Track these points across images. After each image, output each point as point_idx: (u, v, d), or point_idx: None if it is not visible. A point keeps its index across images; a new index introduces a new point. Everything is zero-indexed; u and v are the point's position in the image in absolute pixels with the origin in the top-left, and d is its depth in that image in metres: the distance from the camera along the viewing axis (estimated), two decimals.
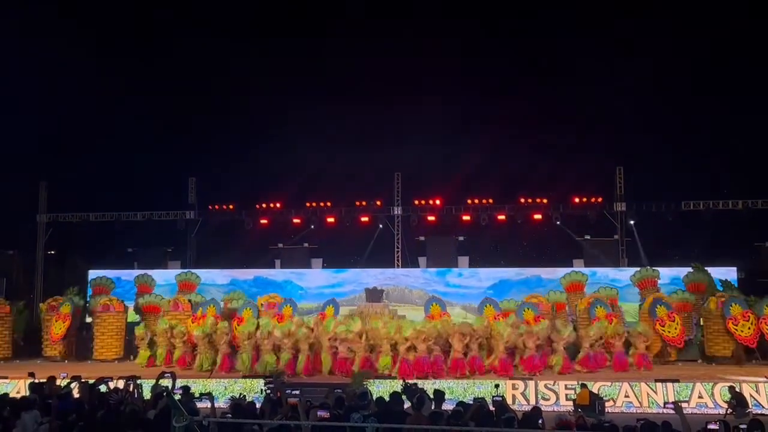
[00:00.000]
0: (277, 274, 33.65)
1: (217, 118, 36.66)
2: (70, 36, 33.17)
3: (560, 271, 30.62)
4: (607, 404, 17.49)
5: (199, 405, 11.21)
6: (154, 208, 35.11)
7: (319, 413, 8.97)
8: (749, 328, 23.97)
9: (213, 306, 25.13)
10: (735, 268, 30.89)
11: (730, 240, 32.56)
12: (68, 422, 9.61)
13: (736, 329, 24.04)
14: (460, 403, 11.36)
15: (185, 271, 32.13)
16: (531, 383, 19.33)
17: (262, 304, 26.60)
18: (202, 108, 36.09)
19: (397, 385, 16.86)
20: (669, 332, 24.35)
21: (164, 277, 32.28)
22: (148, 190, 36.03)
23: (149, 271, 31.89)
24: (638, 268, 29.14)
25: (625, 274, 30.63)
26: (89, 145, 35.98)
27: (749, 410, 16.79)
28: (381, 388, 18.07)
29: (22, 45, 33.54)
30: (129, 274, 32.38)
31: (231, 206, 35.00)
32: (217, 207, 35.12)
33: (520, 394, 19.02)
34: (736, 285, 29.24)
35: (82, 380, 13.58)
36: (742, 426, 10.18)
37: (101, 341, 26.62)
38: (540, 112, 35.03)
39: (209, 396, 11.00)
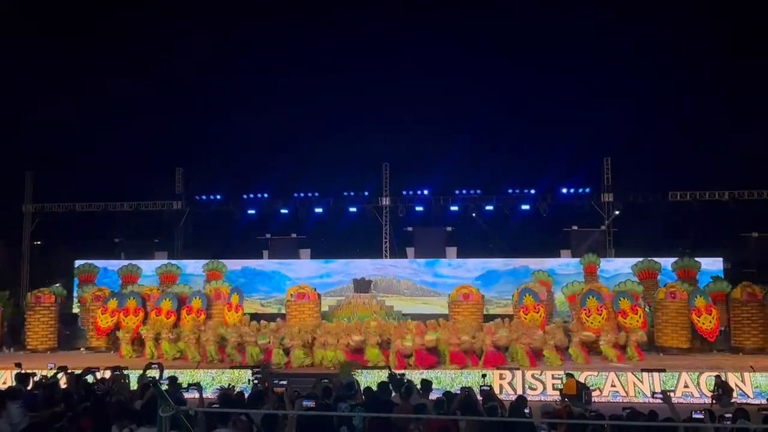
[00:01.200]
0: (265, 264, 33.58)
1: (204, 108, 36.55)
2: (56, 25, 33.01)
3: (548, 261, 30.82)
4: (593, 394, 17.56)
5: (187, 396, 11.20)
6: (141, 198, 34.95)
7: (305, 403, 8.95)
8: (711, 321, 24.14)
9: (198, 299, 25.29)
10: (721, 259, 31.08)
11: (716, 231, 32.74)
12: (55, 413, 9.54)
13: (698, 320, 24.21)
14: (446, 393, 11.37)
15: (166, 262, 32.07)
16: (518, 373, 19.36)
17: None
18: (189, 98, 35.95)
19: (385, 376, 16.88)
20: (704, 324, 24.29)
21: (152, 267, 32.19)
22: (135, 181, 35.91)
23: (136, 261, 31.82)
24: (641, 259, 29.42)
25: (611, 264, 30.83)
26: (75, 136, 35.80)
27: (734, 399, 16.92)
28: (369, 378, 18.07)
29: (6, 33, 33.27)
30: (115, 265, 32.23)
31: (218, 196, 34.92)
32: (204, 197, 35.01)
33: (507, 384, 19.05)
34: (722, 275, 29.57)
35: (69, 371, 13.52)
36: (728, 415, 10.25)
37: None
38: (528, 103, 35.12)
39: (197, 386, 10.97)
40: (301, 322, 24.43)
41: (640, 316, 23.70)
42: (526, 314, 24.28)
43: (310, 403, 8.94)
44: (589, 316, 23.48)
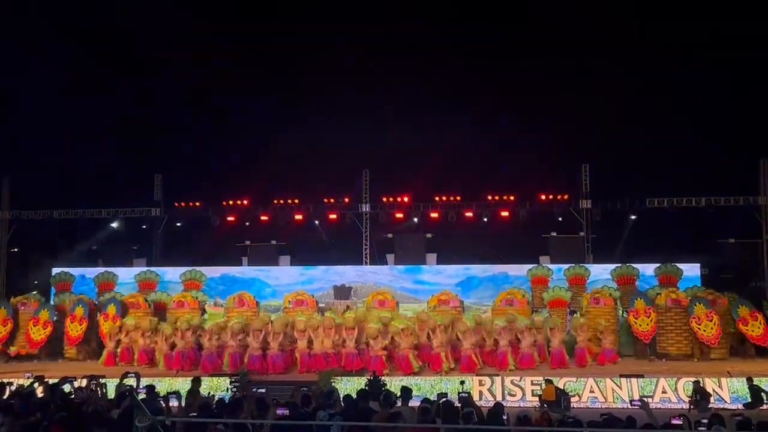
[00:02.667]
0: (244, 271, 33.45)
1: (182, 115, 36.37)
2: (33, 32, 32.76)
3: (526, 267, 30.99)
4: (572, 399, 17.72)
5: (172, 404, 11.13)
6: (119, 205, 34.72)
7: (278, 411, 8.95)
8: (712, 328, 24.33)
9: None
10: (698, 265, 31.35)
11: (693, 237, 33.03)
12: (30, 422, 9.45)
13: (699, 328, 24.39)
14: (425, 400, 11.38)
15: (144, 269, 31.99)
16: (497, 379, 19.42)
17: (290, 301, 26.68)
18: (167, 105, 35.78)
19: (364, 383, 16.90)
20: (705, 331, 24.36)
21: (130, 274, 32.02)
22: (113, 188, 35.65)
23: (113, 269, 31.67)
24: (618, 265, 29.90)
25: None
26: (52, 142, 35.50)
27: (711, 405, 17.07)
28: (348, 386, 18.08)
29: None
30: (93, 272, 32.01)
31: (197, 203, 34.78)
32: (183, 204, 34.87)
33: (486, 390, 19.10)
34: (699, 282, 29.90)
35: (45, 380, 13.42)
36: (704, 420, 10.34)
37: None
38: (507, 110, 35.24)
39: (176, 394, 10.92)
40: None
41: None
42: (699, 324, 24.59)
43: (284, 411, 8.94)
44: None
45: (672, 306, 25.01)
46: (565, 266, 30.33)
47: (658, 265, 29.76)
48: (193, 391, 13.29)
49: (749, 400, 17.74)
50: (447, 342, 22.02)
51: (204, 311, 27.57)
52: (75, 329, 25.76)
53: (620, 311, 26.21)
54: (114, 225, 34.87)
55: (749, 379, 18.21)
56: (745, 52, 32.57)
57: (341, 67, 35.66)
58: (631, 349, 25.58)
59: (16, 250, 36.52)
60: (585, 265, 30.39)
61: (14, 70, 33.75)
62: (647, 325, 24.71)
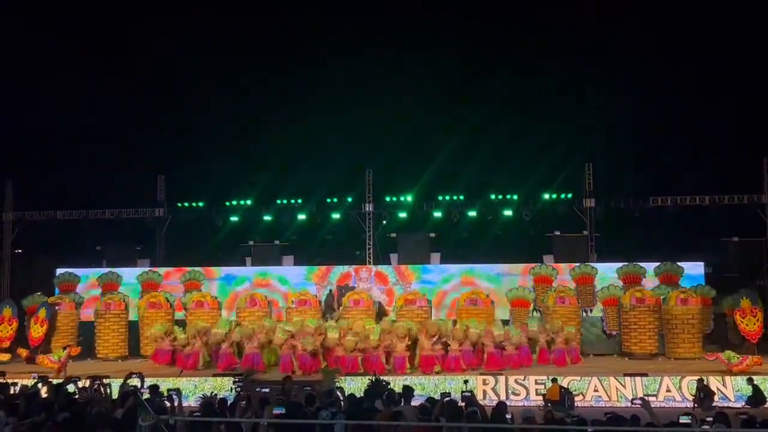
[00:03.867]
0: (247, 271, 33.41)
1: (186, 115, 36.39)
2: (37, 34, 32.82)
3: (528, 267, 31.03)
4: (576, 399, 17.69)
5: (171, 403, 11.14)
6: (122, 205, 34.73)
7: (275, 410, 8.98)
8: (755, 323, 24.41)
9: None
10: (702, 263, 31.28)
11: (697, 235, 32.97)
12: (35, 422, 9.48)
13: (742, 321, 24.44)
14: (429, 399, 11.39)
15: (146, 270, 32.09)
16: (501, 378, 19.44)
17: (293, 301, 26.77)
18: (171, 105, 35.79)
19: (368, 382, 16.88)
20: (747, 325, 24.64)
21: (133, 274, 32.08)
22: (116, 188, 35.67)
23: (116, 269, 31.76)
24: (624, 263, 29.93)
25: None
26: (56, 143, 35.56)
27: (715, 403, 17.06)
28: (352, 385, 18.08)
29: None
30: (97, 273, 32.04)
31: (200, 203, 34.78)
32: (186, 204, 34.87)
33: (490, 390, 19.12)
34: (703, 280, 29.89)
35: (49, 380, 13.45)
36: (709, 418, 10.34)
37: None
38: (509, 110, 35.24)
39: (177, 392, 10.92)
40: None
41: (758, 320, 24.86)
42: (743, 318, 25.06)
43: (280, 410, 8.96)
44: (744, 317, 24.54)
45: (636, 305, 25.02)
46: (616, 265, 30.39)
47: (658, 264, 29.71)
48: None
49: (753, 397, 17.72)
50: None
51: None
52: (36, 330, 25.92)
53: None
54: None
55: (750, 380, 18.22)
56: (748, 49, 32.55)
57: (344, 65, 35.68)
58: (601, 348, 25.92)
59: (20, 251, 36.54)
60: (591, 264, 30.31)
61: (16, 70, 33.85)
62: (754, 324, 24.77)
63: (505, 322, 25.00)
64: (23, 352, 25.30)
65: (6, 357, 25.78)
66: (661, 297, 25.79)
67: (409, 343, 21.91)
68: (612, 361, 24.34)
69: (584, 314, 27.93)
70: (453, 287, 31.15)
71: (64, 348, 22.87)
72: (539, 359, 22.88)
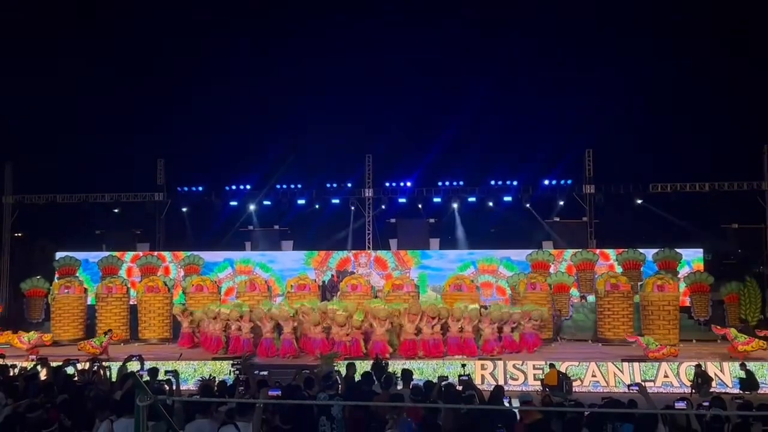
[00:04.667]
0: (245, 256, 33.44)
1: (186, 98, 36.35)
2: (34, 16, 32.72)
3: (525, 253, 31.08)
4: (574, 384, 17.75)
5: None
6: (122, 189, 34.69)
7: (270, 392, 9.02)
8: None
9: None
10: (701, 250, 31.32)
11: (696, 222, 33.00)
12: (33, 404, 9.51)
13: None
14: (427, 383, 11.43)
15: (147, 254, 32.17)
16: (500, 363, 19.48)
17: (292, 286, 26.81)
18: (170, 89, 35.74)
19: (367, 366, 16.90)
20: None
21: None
22: (116, 172, 35.63)
23: (116, 253, 31.83)
24: (625, 250, 30.04)
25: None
26: (55, 126, 35.50)
27: (713, 389, 17.11)
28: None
29: None
30: (96, 256, 32.09)
31: (200, 188, 34.76)
32: (186, 189, 34.86)
33: (489, 374, 19.17)
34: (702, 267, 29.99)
35: (49, 362, 13.48)
36: (705, 403, 10.36)
37: (58, 323, 26.37)
38: (510, 95, 35.20)
39: (174, 374, 10.96)
40: None
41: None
42: None
43: (275, 392, 8.99)
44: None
45: (611, 291, 25.03)
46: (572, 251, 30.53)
47: (656, 250, 29.76)
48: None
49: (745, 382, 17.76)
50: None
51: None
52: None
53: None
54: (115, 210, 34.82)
55: (742, 365, 18.27)
56: (749, 36, 32.47)
57: (343, 50, 35.61)
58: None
59: (20, 234, 36.55)
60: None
61: (15, 52, 33.76)
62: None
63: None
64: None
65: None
66: (639, 283, 25.85)
67: (390, 327, 21.64)
68: (584, 346, 24.29)
69: (583, 300, 28.03)
70: (471, 274, 31.01)
71: (106, 333, 22.92)
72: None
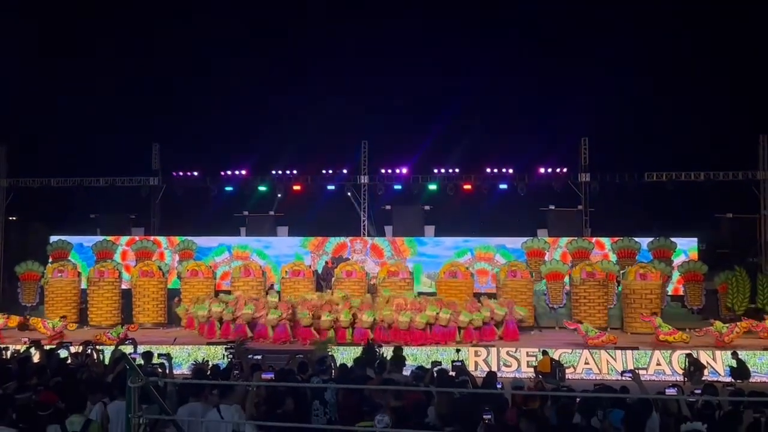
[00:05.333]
0: (242, 241, 33.41)
1: (181, 83, 36.23)
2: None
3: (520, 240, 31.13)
4: (567, 371, 17.81)
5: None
6: (117, 174, 34.57)
7: (263, 375, 9.03)
8: None
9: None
10: (696, 239, 31.35)
11: (691, 211, 33.01)
12: (25, 386, 9.51)
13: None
14: (420, 368, 11.46)
15: (141, 239, 32.12)
16: (493, 350, 19.55)
17: (286, 272, 26.81)
18: (166, 73, 35.60)
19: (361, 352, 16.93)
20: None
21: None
22: (110, 156, 35.50)
23: (111, 238, 31.81)
24: (620, 238, 30.11)
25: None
26: (50, 108, 35.34)
27: (705, 377, 17.19)
28: (345, 355, 18.14)
29: None
30: (91, 240, 32.04)
31: (195, 173, 34.65)
32: (181, 173, 34.74)
33: (482, 361, 19.22)
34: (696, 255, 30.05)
35: (42, 345, 13.49)
36: (697, 390, 10.42)
37: (51, 306, 26.39)
38: (506, 83, 35.12)
39: (167, 357, 10.97)
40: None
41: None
42: None
43: (268, 375, 8.99)
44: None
45: (586, 279, 25.09)
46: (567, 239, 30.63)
47: (651, 239, 29.82)
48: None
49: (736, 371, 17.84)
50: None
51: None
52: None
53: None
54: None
55: (734, 353, 18.34)
56: (745, 26, 32.43)
57: (339, 36, 35.49)
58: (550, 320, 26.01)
59: (14, 218, 36.46)
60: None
61: (10, 34, 33.55)
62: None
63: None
64: None
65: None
66: (621, 272, 25.84)
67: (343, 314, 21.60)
68: (555, 334, 24.38)
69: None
70: (467, 261, 31.05)
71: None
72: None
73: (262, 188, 33.80)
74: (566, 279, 27.64)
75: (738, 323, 21.08)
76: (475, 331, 21.77)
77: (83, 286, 27.41)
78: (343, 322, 21.22)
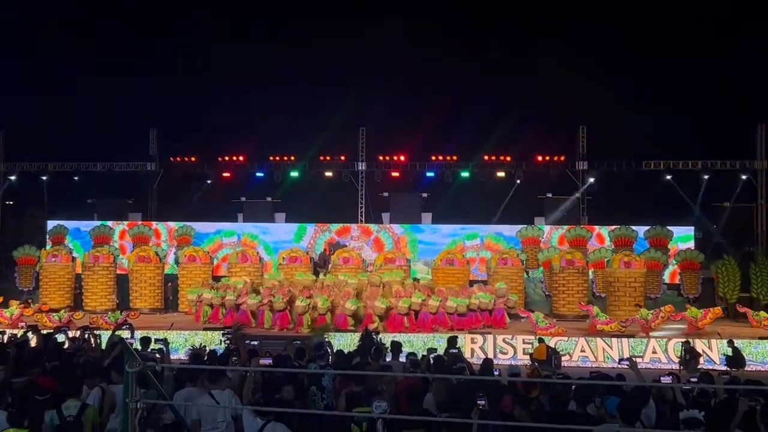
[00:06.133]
0: (239, 227, 33.36)
1: (179, 68, 36.13)
2: None
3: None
4: (563, 359, 17.83)
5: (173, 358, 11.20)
6: (114, 159, 34.49)
7: (262, 361, 9.05)
8: None
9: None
10: (692, 228, 31.38)
11: (688, 200, 33.02)
12: (22, 371, 9.52)
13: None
14: (411, 354, 11.52)
15: (139, 224, 32.11)
16: (489, 337, 19.59)
17: (284, 258, 26.91)
18: (164, 58, 35.49)
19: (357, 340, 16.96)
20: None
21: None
22: (108, 141, 35.44)
23: (108, 223, 31.78)
24: (617, 226, 30.10)
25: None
26: (48, 94, 35.24)
27: (701, 365, 17.23)
28: (341, 341, 18.17)
29: None
30: (88, 225, 32.00)
31: (193, 158, 34.59)
32: (178, 159, 34.68)
33: (478, 348, 19.27)
34: (692, 245, 30.05)
35: (39, 329, 13.50)
36: (693, 379, 10.45)
37: (46, 291, 26.43)
38: (504, 71, 35.06)
39: (164, 342, 10.99)
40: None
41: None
42: None
43: (267, 361, 9.01)
44: None
45: (566, 267, 25.13)
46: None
47: (648, 227, 29.84)
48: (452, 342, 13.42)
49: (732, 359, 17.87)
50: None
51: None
52: None
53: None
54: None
55: (730, 342, 18.37)
56: (743, 13, 32.38)
57: (337, 21, 35.37)
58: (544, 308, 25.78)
59: (11, 202, 36.40)
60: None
61: (9, 19, 33.45)
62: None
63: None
64: None
65: None
66: (605, 260, 25.91)
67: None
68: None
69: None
70: (475, 246, 31.08)
71: (66, 308, 22.91)
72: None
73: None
74: None
75: (616, 322, 20.95)
76: (460, 318, 21.76)
77: (78, 271, 27.40)
78: (321, 309, 21.14)
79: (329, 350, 11.72)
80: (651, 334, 20.33)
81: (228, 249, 31.20)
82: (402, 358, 11.76)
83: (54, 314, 22.34)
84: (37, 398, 7.63)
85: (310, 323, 20.84)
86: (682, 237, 30.31)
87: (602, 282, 25.94)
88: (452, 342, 13.33)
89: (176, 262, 27.78)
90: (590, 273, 26.78)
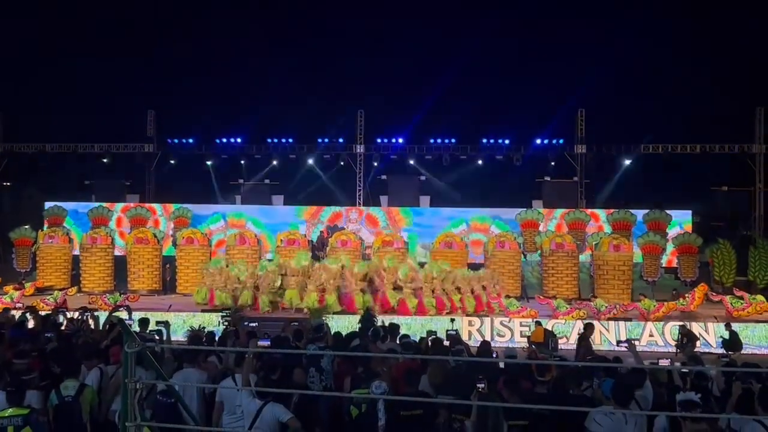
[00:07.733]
0: (237, 209, 33.33)
1: (178, 50, 35.96)
2: None
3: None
4: (560, 341, 17.88)
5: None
6: (112, 140, 34.40)
7: (260, 342, 9.07)
8: None
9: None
10: (690, 211, 31.38)
11: (686, 183, 33.07)
12: (20, 351, 9.52)
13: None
14: (404, 336, 11.54)
15: (136, 205, 32.08)
16: (487, 320, 19.62)
17: (282, 240, 26.85)
18: (163, 40, 35.33)
19: (355, 321, 16.98)
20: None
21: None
22: (106, 122, 35.33)
23: (106, 204, 31.74)
24: (616, 210, 30.02)
25: None
26: (46, 74, 35.09)
27: (697, 349, 17.28)
28: (339, 324, 18.19)
29: None
30: (86, 207, 31.96)
31: (191, 140, 34.52)
32: (176, 141, 34.61)
33: (476, 331, 19.30)
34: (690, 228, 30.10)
35: (38, 310, 13.50)
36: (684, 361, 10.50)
37: (43, 272, 26.47)
38: (503, 54, 34.96)
39: (165, 324, 10.99)
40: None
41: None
42: None
43: (265, 342, 9.03)
44: None
45: (555, 250, 25.15)
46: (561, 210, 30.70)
47: (646, 211, 29.83)
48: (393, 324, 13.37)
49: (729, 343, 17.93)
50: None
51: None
52: None
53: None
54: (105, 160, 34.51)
55: (727, 325, 18.41)
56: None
57: (337, 6, 35.25)
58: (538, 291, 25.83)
59: (8, 183, 36.34)
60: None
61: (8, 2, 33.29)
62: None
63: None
64: None
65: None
66: (594, 243, 25.94)
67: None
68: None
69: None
70: (462, 232, 31.04)
71: (60, 290, 22.98)
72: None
73: (257, 156, 33.62)
74: None
75: (577, 310, 20.86)
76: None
77: (76, 252, 27.39)
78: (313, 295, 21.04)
79: (328, 332, 11.73)
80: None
81: (219, 234, 31.03)
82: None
83: (49, 296, 22.35)
84: (22, 378, 7.62)
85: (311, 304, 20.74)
86: (677, 221, 30.30)
87: None
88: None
89: (174, 244, 27.74)
90: (589, 256, 26.80)
